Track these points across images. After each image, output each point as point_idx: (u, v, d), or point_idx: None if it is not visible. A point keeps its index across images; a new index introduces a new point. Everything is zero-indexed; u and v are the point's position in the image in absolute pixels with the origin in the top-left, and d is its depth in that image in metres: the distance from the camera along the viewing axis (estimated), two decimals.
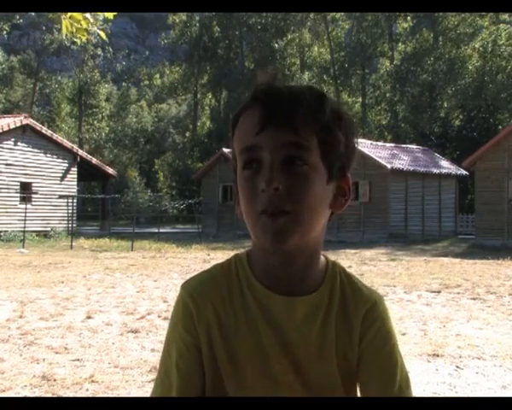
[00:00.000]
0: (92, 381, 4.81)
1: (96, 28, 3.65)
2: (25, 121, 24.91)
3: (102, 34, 3.79)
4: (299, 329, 1.03)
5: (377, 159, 25.89)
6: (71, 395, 4.47)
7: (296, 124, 0.97)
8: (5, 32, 50.62)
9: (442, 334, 6.82)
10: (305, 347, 1.03)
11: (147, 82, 66.68)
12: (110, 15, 3.55)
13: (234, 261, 1.09)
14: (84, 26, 3.54)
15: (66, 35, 3.70)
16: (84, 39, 3.78)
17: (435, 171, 28.38)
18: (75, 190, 27.95)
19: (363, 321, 1.06)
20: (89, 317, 7.57)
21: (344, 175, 1.04)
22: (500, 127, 37.63)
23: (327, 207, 1.02)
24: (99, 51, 57.09)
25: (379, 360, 1.05)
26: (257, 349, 1.02)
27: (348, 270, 1.12)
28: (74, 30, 3.55)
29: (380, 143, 31.03)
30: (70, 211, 25.57)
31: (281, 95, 0.99)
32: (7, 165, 24.41)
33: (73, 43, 51.57)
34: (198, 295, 1.05)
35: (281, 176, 0.96)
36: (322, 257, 1.09)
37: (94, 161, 29.90)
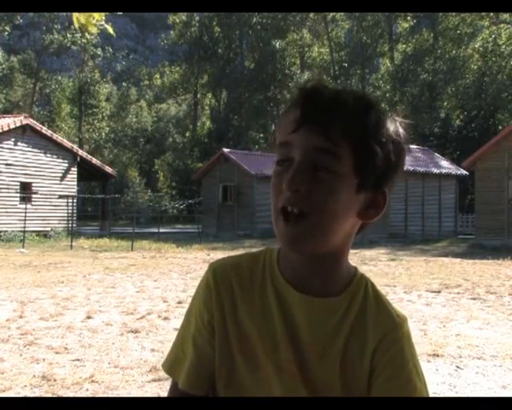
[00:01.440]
0: (92, 381, 4.81)
1: (103, 22, 3.63)
2: (25, 121, 24.91)
3: (110, 28, 3.78)
4: (310, 327, 1.05)
5: None
6: (71, 395, 4.47)
7: (330, 130, 0.96)
8: (7, 34, 50.58)
9: (442, 334, 6.82)
10: (312, 345, 1.05)
11: (147, 82, 66.72)
12: (99, 16, 3.54)
13: (264, 252, 1.13)
14: (97, 18, 3.52)
15: (75, 29, 3.71)
16: (94, 32, 3.77)
17: (435, 171, 28.39)
18: (75, 190, 27.94)
19: (378, 344, 1.05)
20: (89, 317, 7.57)
21: (379, 187, 1.02)
22: (500, 127, 37.64)
23: (353, 215, 1.01)
24: (99, 51, 57.09)
25: (392, 387, 1.03)
26: (268, 335, 1.05)
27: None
28: (84, 22, 3.54)
29: None
30: (70, 211, 25.57)
31: (322, 97, 0.99)
32: (7, 165, 24.41)
33: (74, 43, 51.68)
34: (219, 275, 1.09)
35: (304, 179, 0.97)
36: (351, 267, 1.10)
37: (94, 161, 29.90)
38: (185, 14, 53.98)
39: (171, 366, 1.11)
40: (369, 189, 1.01)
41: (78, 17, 3.50)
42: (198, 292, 1.12)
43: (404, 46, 47.76)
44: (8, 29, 49.67)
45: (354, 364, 1.05)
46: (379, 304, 1.08)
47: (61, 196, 25.85)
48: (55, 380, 4.80)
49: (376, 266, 15.07)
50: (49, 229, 25.26)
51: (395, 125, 1.03)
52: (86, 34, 49.13)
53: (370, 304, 1.07)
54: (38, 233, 24.28)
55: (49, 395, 4.42)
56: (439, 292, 10.20)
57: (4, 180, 24.24)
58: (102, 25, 3.64)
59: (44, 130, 26.92)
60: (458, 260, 17.03)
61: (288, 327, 1.05)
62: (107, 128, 58.42)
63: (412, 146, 32.91)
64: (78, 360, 5.50)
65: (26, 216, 21.47)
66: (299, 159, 0.97)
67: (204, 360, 1.07)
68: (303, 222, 0.97)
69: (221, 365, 1.06)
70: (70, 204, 25.75)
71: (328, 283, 1.06)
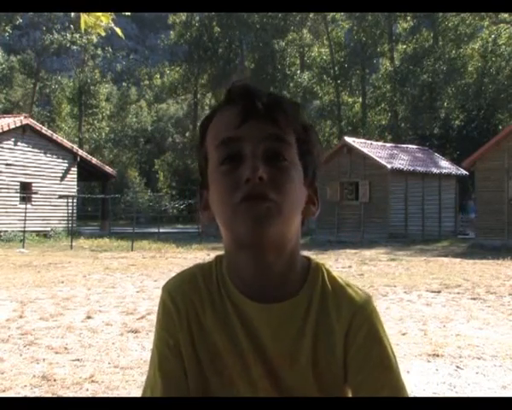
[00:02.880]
0: (92, 381, 4.81)
1: (112, 24, 3.63)
2: (25, 121, 24.91)
3: (119, 31, 3.77)
4: (274, 336, 1.00)
5: (377, 159, 25.89)
6: (71, 395, 4.47)
7: (277, 117, 0.99)
8: (7, 34, 50.53)
9: (442, 334, 6.81)
10: (279, 354, 1.00)
11: (147, 82, 66.62)
12: (125, 14, 3.57)
13: (215, 263, 1.07)
14: (105, 21, 3.51)
15: (85, 30, 3.70)
16: (102, 34, 3.77)
17: (435, 171, 28.37)
18: (75, 190, 27.94)
19: (349, 328, 1.02)
20: (89, 317, 7.57)
21: (313, 183, 1.05)
22: (500, 127, 37.63)
23: (301, 208, 1.02)
24: (99, 51, 57.05)
25: (369, 366, 1.00)
26: (236, 353, 1.01)
27: (339, 271, 1.10)
28: (92, 25, 3.53)
29: (379, 143, 31.02)
30: (70, 211, 25.58)
31: (259, 92, 1.02)
32: (7, 165, 24.41)
33: (73, 43, 51.66)
34: (177, 295, 1.04)
35: (265, 166, 0.96)
36: (304, 260, 1.06)
37: (94, 161, 29.90)
38: (185, 14, 53.96)
39: None
40: (309, 182, 1.03)
41: (86, 20, 3.49)
42: (156, 320, 1.05)
43: (403, 46, 47.74)
44: (9, 30, 49.63)
45: (327, 359, 1.01)
46: (337, 290, 1.04)
47: (61, 196, 25.85)
48: (55, 380, 4.80)
49: (376, 266, 15.07)
50: (49, 229, 25.26)
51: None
52: (87, 34, 49.16)
53: (329, 293, 1.04)
54: (38, 233, 24.28)
55: (49, 395, 4.42)
56: (439, 292, 10.19)
57: (4, 180, 24.24)
58: (111, 27, 3.64)
59: (44, 130, 26.92)
60: (458, 260, 17.02)
61: (253, 342, 1.00)
62: (107, 128, 58.37)
63: (412, 146, 32.91)
64: (78, 360, 5.50)
65: (26, 216, 21.46)
66: (252, 149, 0.96)
67: (178, 386, 1.01)
68: (268, 204, 0.94)
69: (195, 386, 1.01)
70: (70, 204, 25.75)
71: (284, 286, 1.02)
